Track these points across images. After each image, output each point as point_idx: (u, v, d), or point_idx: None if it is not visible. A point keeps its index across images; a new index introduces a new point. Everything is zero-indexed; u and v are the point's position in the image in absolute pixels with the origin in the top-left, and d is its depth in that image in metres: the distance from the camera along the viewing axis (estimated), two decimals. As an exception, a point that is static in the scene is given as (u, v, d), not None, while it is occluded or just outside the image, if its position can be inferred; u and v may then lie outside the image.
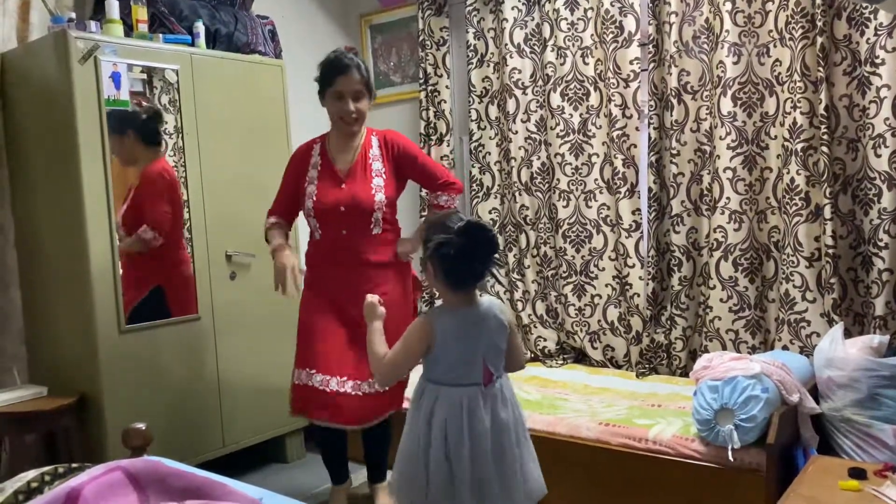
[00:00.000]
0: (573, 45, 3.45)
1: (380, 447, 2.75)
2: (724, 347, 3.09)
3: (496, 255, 1.86)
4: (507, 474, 1.88)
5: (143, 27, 2.86)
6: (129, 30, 2.84)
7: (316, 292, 2.60)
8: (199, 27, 3.06)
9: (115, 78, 2.70)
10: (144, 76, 2.91)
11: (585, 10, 3.41)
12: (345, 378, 2.47)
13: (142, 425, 1.90)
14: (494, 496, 1.86)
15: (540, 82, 3.59)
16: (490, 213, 3.75)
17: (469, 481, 1.83)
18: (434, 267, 1.87)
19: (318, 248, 2.63)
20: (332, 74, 2.52)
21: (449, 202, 2.74)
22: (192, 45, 3.02)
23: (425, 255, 1.88)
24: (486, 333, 1.91)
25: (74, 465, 1.62)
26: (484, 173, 3.77)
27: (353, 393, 2.46)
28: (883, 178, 2.73)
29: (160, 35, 2.91)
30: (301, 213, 2.67)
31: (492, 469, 1.85)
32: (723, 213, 3.06)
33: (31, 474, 1.54)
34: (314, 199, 2.56)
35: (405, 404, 2.45)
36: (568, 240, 3.53)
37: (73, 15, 2.77)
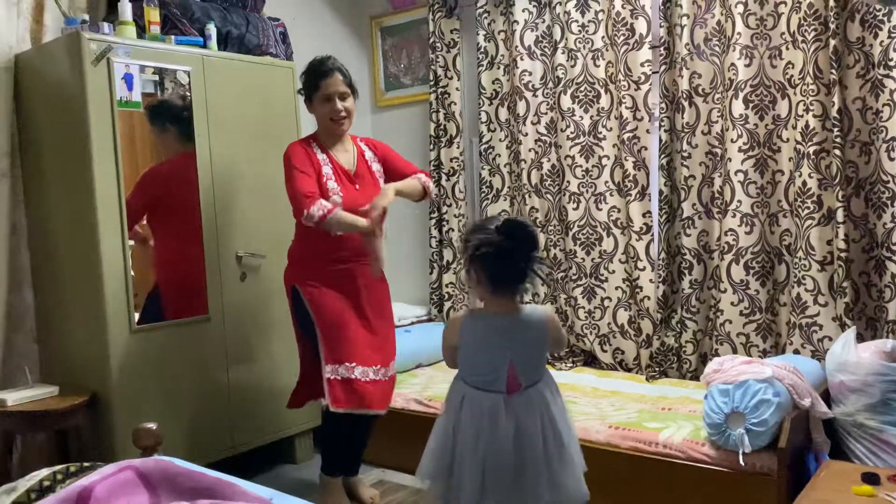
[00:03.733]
0: (584, 47, 3.44)
1: (367, 439, 2.85)
2: (735, 351, 3.08)
3: (537, 253, 1.83)
4: (527, 489, 1.82)
5: (156, 29, 2.88)
6: (141, 31, 2.86)
7: (326, 288, 2.62)
8: (211, 29, 3.07)
9: (128, 79, 2.72)
10: (157, 77, 2.92)
11: (596, 13, 3.41)
12: (378, 366, 2.63)
13: (152, 425, 1.90)
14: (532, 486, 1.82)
15: (550, 84, 3.58)
16: (500, 214, 3.75)
17: (479, 486, 1.81)
18: (476, 270, 1.84)
19: (327, 245, 2.62)
20: (316, 79, 2.66)
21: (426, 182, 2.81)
22: (204, 46, 3.03)
23: (466, 259, 1.86)
24: (519, 342, 1.88)
25: (86, 464, 1.63)
26: (494, 175, 3.76)
27: (382, 379, 2.65)
28: (896, 181, 2.71)
29: (172, 37, 2.92)
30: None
31: (510, 482, 1.81)
32: (734, 216, 3.05)
33: (44, 473, 1.55)
34: (342, 196, 2.60)
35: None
36: (578, 242, 3.52)
37: (87, 17, 2.79)
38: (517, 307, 1.90)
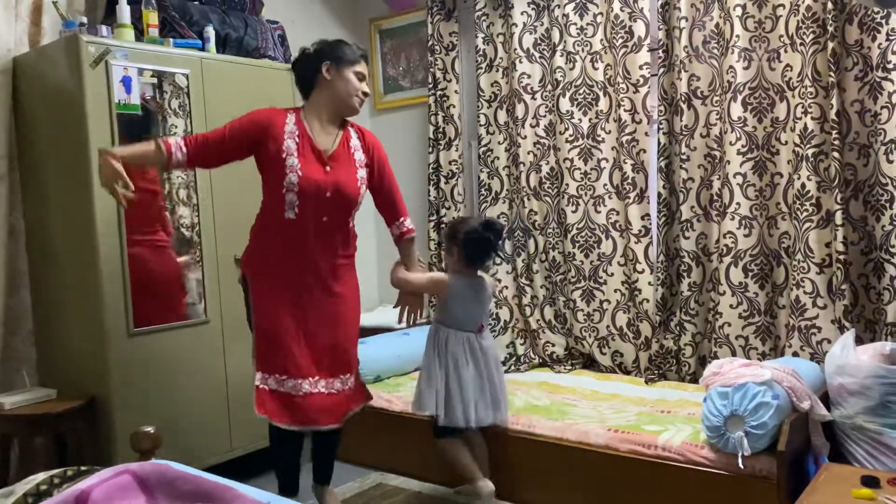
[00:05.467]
0: (582, 49, 3.45)
1: (334, 449, 2.66)
2: (734, 354, 3.07)
3: (502, 241, 2.75)
4: (496, 390, 2.69)
5: (154, 32, 2.88)
6: (139, 34, 2.86)
7: (273, 283, 2.43)
8: (210, 32, 3.07)
9: (126, 82, 2.72)
10: (155, 80, 2.93)
11: (595, 16, 3.41)
12: (317, 378, 2.44)
13: (150, 428, 1.90)
14: (488, 403, 2.65)
15: (549, 87, 3.58)
16: (498, 217, 3.74)
17: (472, 392, 2.60)
18: (459, 250, 2.65)
19: (284, 230, 2.43)
20: (355, 55, 2.52)
21: (410, 237, 2.70)
22: (203, 49, 3.03)
23: (451, 242, 2.68)
24: (482, 297, 2.70)
25: (83, 467, 1.63)
26: (492, 178, 3.76)
27: (327, 392, 2.45)
28: (895, 183, 2.71)
29: (171, 40, 2.92)
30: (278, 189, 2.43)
31: (486, 384, 2.65)
32: (733, 218, 3.05)
33: (41, 477, 1.55)
34: (299, 174, 2.39)
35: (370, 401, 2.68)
36: (577, 245, 3.52)
37: (85, 19, 2.79)
38: (478, 275, 2.72)
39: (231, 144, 2.45)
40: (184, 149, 2.37)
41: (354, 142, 2.56)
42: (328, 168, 2.45)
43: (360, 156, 2.55)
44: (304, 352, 2.43)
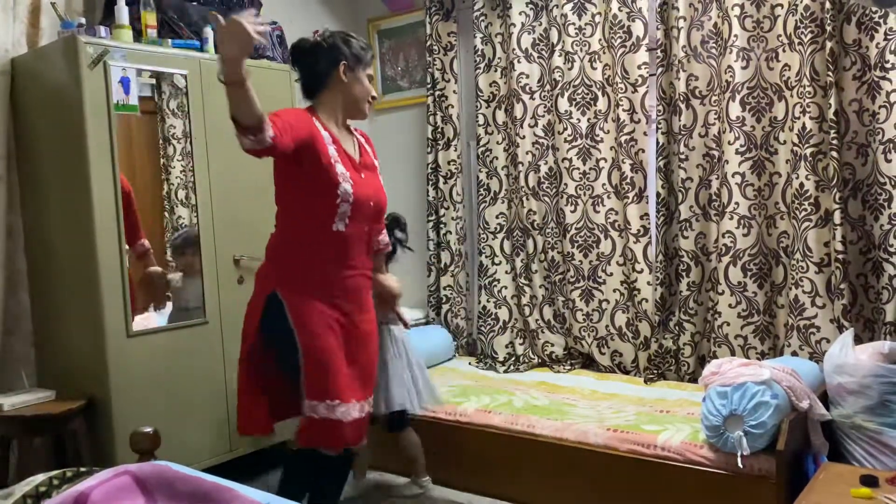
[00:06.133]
0: (581, 49, 3.45)
1: (345, 476, 2.56)
2: (733, 353, 3.08)
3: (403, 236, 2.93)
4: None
5: (153, 32, 2.87)
6: (138, 35, 2.85)
7: (316, 302, 2.23)
8: (208, 32, 3.07)
9: (125, 83, 2.71)
10: (153, 81, 2.93)
11: (593, 15, 3.41)
12: (362, 402, 2.30)
13: (149, 429, 1.90)
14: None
15: (548, 87, 3.58)
16: (497, 217, 3.75)
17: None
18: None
19: (332, 244, 2.24)
20: (368, 57, 2.35)
21: (384, 246, 2.61)
22: (201, 50, 3.03)
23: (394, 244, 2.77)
24: None
25: (83, 468, 1.63)
26: (491, 178, 3.76)
27: (360, 416, 2.30)
28: (893, 183, 2.71)
29: (169, 40, 2.92)
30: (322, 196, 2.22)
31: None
32: (731, 218, 3.05)
33: (40, 478, 1.55)
34: (351, 182, 2.21)
35: None
36: (575, 245, 3.52)
37: (83, 20, 2.78)
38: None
39: (300, 136, 2.14)
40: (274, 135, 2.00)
41: (368, 148, 2.45)
42: (363, 176, 2.31)
43: (376, 162, 2.46)
44: (350, 374, 2.27)
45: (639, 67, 3.29)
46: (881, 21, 2.70)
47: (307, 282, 2.24)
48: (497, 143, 3.74)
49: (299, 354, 2.21)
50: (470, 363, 3.76)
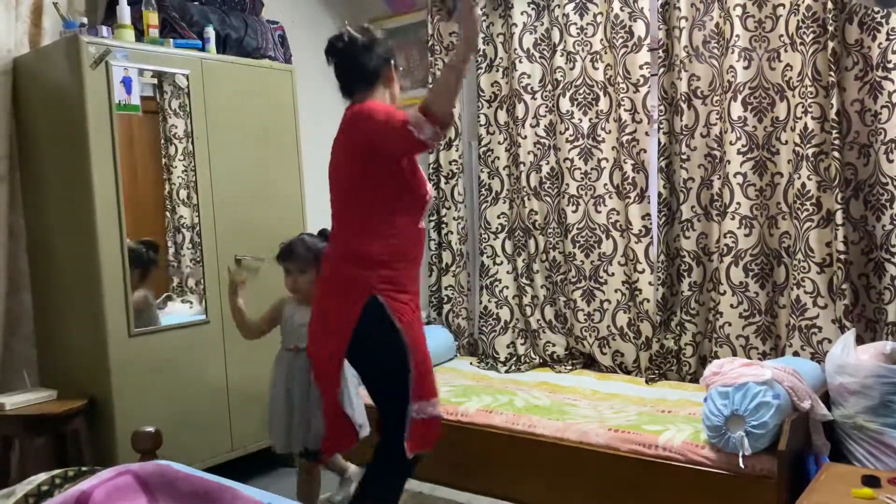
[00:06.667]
0: (583, 49, 3.45)
1: None
2: (735, 353, 3.07)
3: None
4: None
5: (154, 32, 2.88)
6: (140, 35, 2.86)
7: (411, 303, 2.17)
8: (210, 32, 3.07)
9: (127, 83, 2.72)
10: (155, 81, 2.93)
11: (595, 15, 3.41)
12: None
13: (151, 429, 1.90)
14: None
15: (549, 87, 3.58)
16: (499, 217, 3.75)
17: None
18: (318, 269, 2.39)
19: (418, 242, 2.23)
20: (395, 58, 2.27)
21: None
22: (203, 50, 3.03)
23: (314, 264, 2.44)
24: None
25: (84, 468, 1.63)
26: (493, 178, 3.76)
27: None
28: (895, 183, 2.71)
29: (171, 40, 2.92)
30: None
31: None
32: (733, 218, 3.05)
33: (42, 477, 1.55)
34: (425, 183, 2.22)
35: None
36: (577, 245, 3.52)
37: (85, 20, 2.79)
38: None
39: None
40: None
41: None
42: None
43: None
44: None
45: (640, 67, 3.29)
46: (883, 21, 2.70)
47: (403, 281, 2.15)
48: (499, 143, 3.74)
49: (408, 356, 2.11)
50: (471, 363, 3.76)
